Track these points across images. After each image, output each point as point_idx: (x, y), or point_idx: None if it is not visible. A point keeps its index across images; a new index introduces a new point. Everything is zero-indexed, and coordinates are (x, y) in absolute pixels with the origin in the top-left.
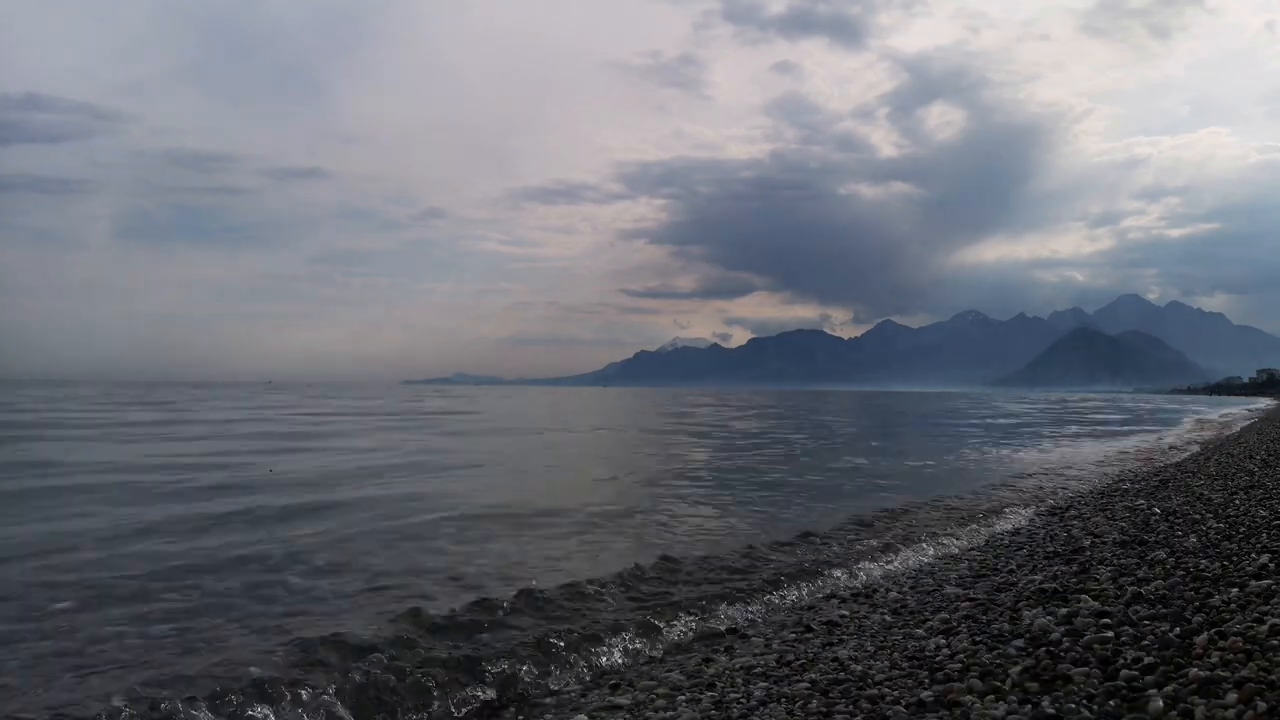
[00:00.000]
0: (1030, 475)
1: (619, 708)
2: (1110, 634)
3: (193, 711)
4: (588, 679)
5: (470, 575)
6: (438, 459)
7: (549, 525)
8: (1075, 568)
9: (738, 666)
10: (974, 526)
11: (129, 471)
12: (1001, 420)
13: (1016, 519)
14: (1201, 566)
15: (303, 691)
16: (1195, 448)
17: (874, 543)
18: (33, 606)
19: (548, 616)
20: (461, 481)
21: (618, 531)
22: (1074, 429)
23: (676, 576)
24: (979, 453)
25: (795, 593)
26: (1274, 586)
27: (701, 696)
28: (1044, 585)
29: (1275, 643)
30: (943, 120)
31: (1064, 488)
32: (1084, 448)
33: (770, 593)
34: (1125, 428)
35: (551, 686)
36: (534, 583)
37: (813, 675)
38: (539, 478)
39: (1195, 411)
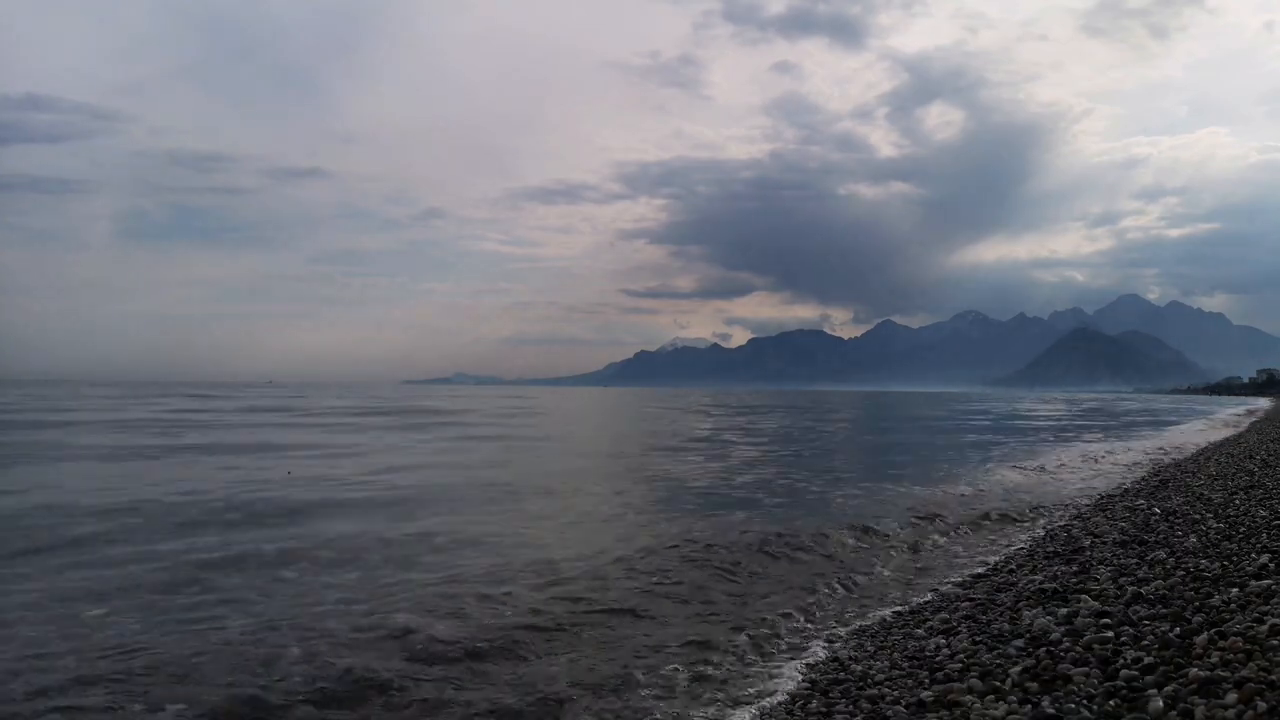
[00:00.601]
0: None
1: None
2: (1110, 634)
3: None
4: None
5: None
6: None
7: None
8: (1075, 568)
9: None
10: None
11: (136, 491)
12: (1016, 421)
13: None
14: (1201, 566)
15: None
16: (1197, 448)
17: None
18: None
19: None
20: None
21: (652, 533)
22: (1091, 429)
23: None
24: (1003, 453)
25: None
26: (1274, 586)
27: None
28: (1044, 585)
29: (1275, 643)
30: (942, 120)
31: (1092, 488)
32: (1106, 447)
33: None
34: (1133, 428)
35: None
36: (543, 595)
37: (812, 675)
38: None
39: (1198, 411)
